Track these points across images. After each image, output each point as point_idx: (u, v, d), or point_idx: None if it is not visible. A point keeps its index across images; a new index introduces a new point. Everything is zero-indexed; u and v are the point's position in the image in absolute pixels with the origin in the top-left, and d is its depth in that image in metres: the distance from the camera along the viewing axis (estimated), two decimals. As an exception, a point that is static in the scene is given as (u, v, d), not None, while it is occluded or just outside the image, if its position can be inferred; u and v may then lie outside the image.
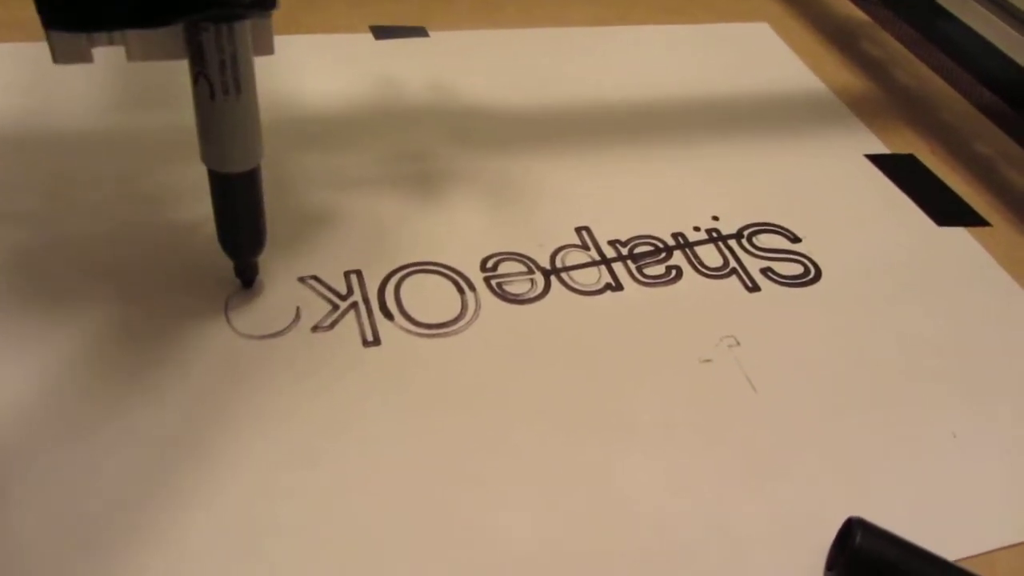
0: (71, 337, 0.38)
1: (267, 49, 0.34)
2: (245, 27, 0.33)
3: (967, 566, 0.34)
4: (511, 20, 0.67)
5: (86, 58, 0.31)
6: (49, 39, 0.31)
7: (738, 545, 0.34)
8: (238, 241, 0.39)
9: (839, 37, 0.72)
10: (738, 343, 0.43)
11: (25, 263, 0.41)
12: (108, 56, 0.34)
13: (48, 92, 0.51)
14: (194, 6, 0.31)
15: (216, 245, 0.39)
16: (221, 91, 0.33)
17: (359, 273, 0.43)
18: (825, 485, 0.37)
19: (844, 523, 0.34)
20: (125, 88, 0.53)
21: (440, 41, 0.63)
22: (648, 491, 0.36)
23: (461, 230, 0.47)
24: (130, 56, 0.33)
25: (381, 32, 0.62)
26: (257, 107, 0.35)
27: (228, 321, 0.40)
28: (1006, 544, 0.36)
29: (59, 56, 0.31)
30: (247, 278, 0.41)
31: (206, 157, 0.36)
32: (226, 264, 0.40)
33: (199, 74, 0.33)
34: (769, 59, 0.67)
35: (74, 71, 0.52)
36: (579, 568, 0.33)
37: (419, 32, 0.63)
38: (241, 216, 0.38)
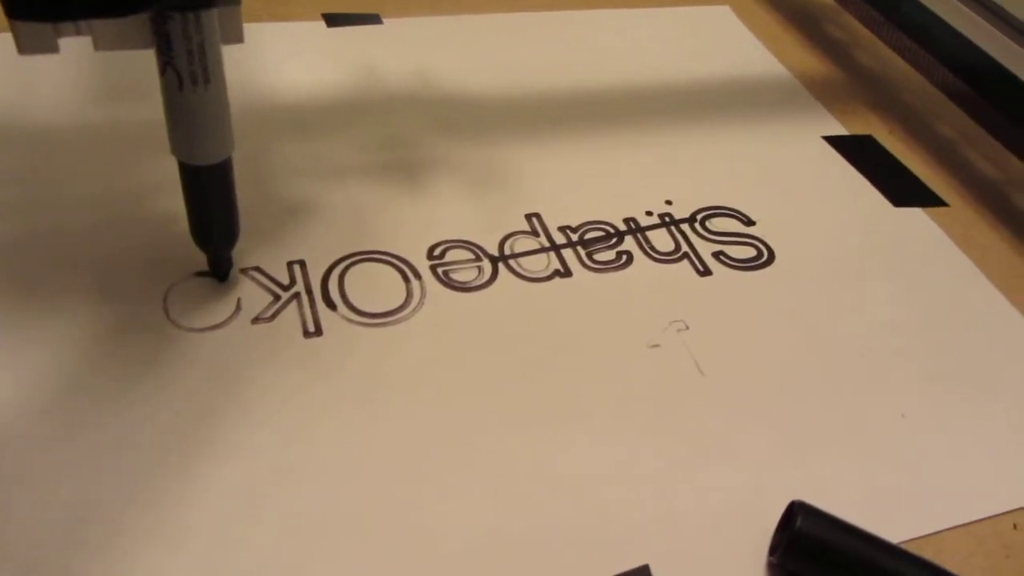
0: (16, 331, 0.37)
1: (236, 37, 0.34)
2: (212, 15, 0.32)
3: (913, 548, 0.34)
4: (467, 6, 0.66)
5: (52, 48, 0.31)
6: (13, 29, 0.30)
7: (682, 530, 0.34)
8: (211, 234, 0.39)
9: (801, 19, 0.72)
10: (687, 327, 0.42)
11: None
12: (80, 46, 0.33)
13: (20, 83, 0.50)
14: None
15: (189, 238, 0.39)
16: (189, 81, 0.32)
17: (302, 263, 0.42)
18: (771, 468, 0.37)
19: (787, 507, 0.34)
20: (100, 78, 0.52)
21: (394, 28, 0.62)
22: (592, 477, 0.35)
23: (408, 218, 0.46)
24: (97, 46, 0.32)
25: (334, 20, 0.61)
26: (227, 97, 0.34)
27: (167, 313, 0.39)
28: (953, 525, 0.36)
29: (24, 47, 0.30)
30: (221, 271, 0.40)
31: (176, 149, 0.35)
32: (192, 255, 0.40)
33: (166, 64, 0.32)
34: (729, 42, 0.67)
35: (46, 61, 0.51)
36: (523, 555, 0.32)
37: (373, 19, 0.62)
38: (213, 209, 0.37)
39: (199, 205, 0.37)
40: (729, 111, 0.59)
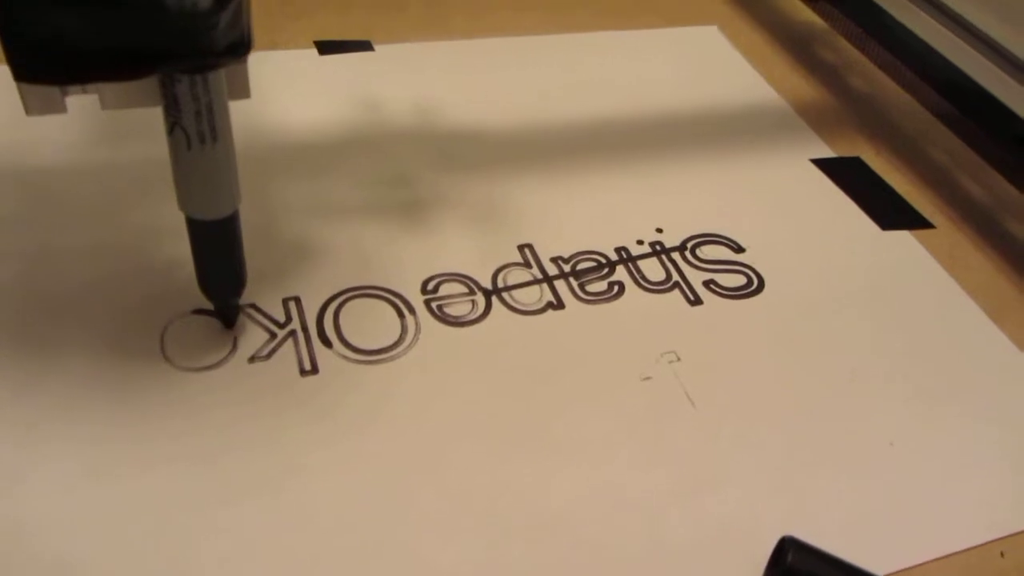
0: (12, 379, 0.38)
1: (243, 93, 0.34)
2: (220, 75, 0.32)
3: (901, 579, 0.35)
4: (458, 31, 0.66)
5: (60, 109, 0.31)
6: (21, 91, 0.30)
7: (674, 563, 0.35)
8: (218, 284, 0.39)
9: (790, 39, 0.73)
10: (678, 358, 0.43)
11: None
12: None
13: (15, 120, 0.51)
14: (168, 59, 0.30)
15: (196, 290, 0.39)
16: (197, 140, 0.32)
17: (297, 300, 0.43)
18: (761, 500, 0.37)
19: (778, 542, 0.35)
20: (99, 117, 0.52)
21: (386, 55, 0.62)
22: (585, 510, 0.36)
23: (401, 251, 0.46)
24: (104, 104, 0.32)
25: (326, 47, 0.62)
26: (234, 153, 0.34)
27: (163, 353, 0.40)
28: (941, 555, 0.37)
29: (31, 108, 0.30)
30: (228, 319, 0.41)
31: (183, 204, 0.35)
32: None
33: (174, 124, 0.32)
34: (717, 64, 0.67)
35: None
36: (514, 596, 0.33)
37: (364, 46, 0.62)
38: (221, 259, 0.38)
39: (207, 257, 0.37)
40: (717, 134, 0.59)
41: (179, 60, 0.30)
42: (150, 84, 0.31)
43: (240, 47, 0.31)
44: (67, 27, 0.28)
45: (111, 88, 0.31)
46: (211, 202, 0.35)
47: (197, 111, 0.32)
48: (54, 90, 0.30)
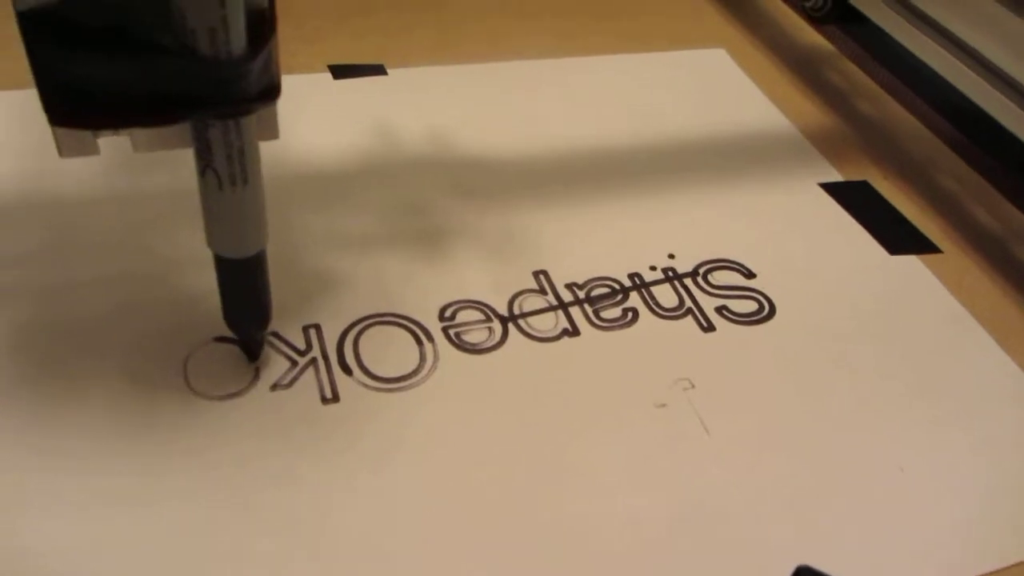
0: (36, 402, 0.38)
1: (271, 134, 0.34)
2: (252, 119, 0.33)
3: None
4: (469, 54, 0.67)
5: (93, 151, 0.31)
6: (55, 134, 0.31)
7: (691, 595, 0.35)
8: (244, 318, 0.39)
9: (797, 62, 0.73)
10: (693, 385, 0.44)
11: (21, 342, 0.41)
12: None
13: (36, 148, 0.51)
14: (202, 106, 0.30)
15: (218, 319, 0.39)
16: (228, 182, 0.33)
17: (317, 327, 0.44)
18: (775, 527, 0.38)
19: (794, 571, 0.35)
20: (122, 150, 0.53)
21: (399, 78, 0.63)
22: (601, 537, 0.37)
23: (418, 278, 0.47)
24: (136, 147, 0.33)
25: (340, 71, 0.63)
26: (263, 194, 0.35)
27: (186, 381, 0.40)
28: (953, 581, 0.37)
29: (65, 150, 0.31)
30: (253, 352, 0.41)
31: (213, 243, 0.36)
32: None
33: (206, 167, 0.33)
34: (725, 87, 0.68)
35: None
36: (535, 625, 0.34)
37: (378, 70, 0.63)
38: (247, 295, 0.38)
39: (234, 293, 0.38)
40: (726, 157, 0.60)
41: (213, 107, 0.30)
42: (182, 127, 0.32)
43: (272, 91, 0.32)
44: (100, 74, 0.29)
45: (143, 131, 0.32)
46: (240, 241, 0.36)
47: (229, 155, 0.32)
48: (87, 133, 0.31)
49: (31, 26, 0.28)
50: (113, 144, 0.32)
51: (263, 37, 0.31)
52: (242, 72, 0.30)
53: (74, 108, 0.30)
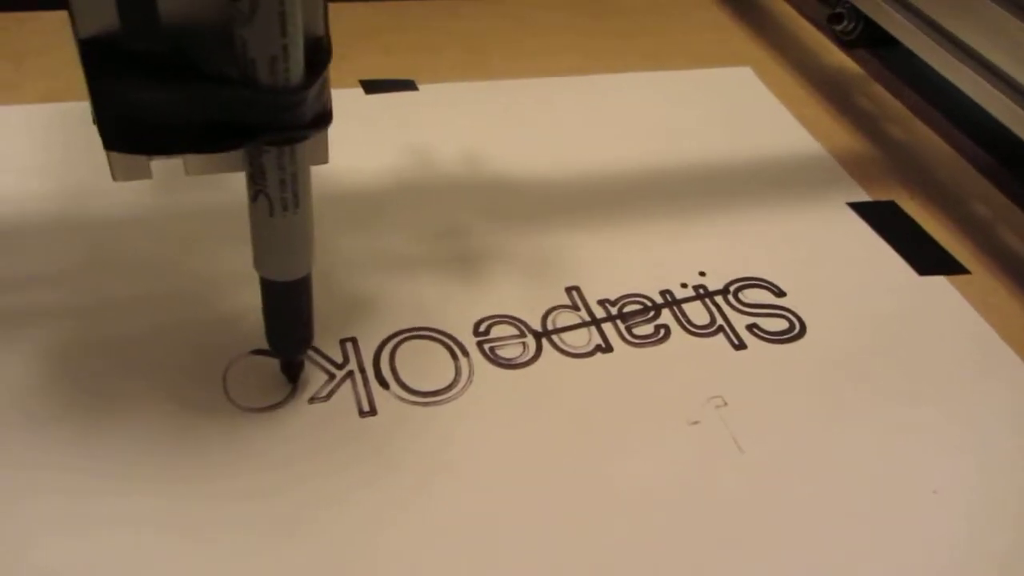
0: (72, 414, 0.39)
1: (322, 158, 0.35)
2: (304, 146, 0.33)
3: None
4: (497, 71, 0.68)
5: (145, 175, 0.32)
6: (109, 158, 0.31)
7: (728, 613, 0.35)
8: (287, 341, 0.40)
9: (823, 83, 0.74)
10: (725, 403, 0.44)
11: (62, 360, 0.41)
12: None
13: (76, 166, 0.52)
14: (258, 133, 0.31)
15: (260, 337, 0.40)
16: (280, 207, 0.33)
17: (354, 341, 0.44)
18: (810, 546, 0.38)
19: (830, 590, 0.35)
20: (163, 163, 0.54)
21: (429, 94, 0.64)
22: (635, 553, 0.37)
23: (452, 293, 0.48)
24: (188, 171, 0.33)
25: (371, 86, 0.63)
26: (312, 218, 0.35)
27: (227, 393, 0.41)
28: (988, 603, 0.37)
29: (119, 174, 0.31)
30: (294, 374, 0.41)
31: (261, 266, 0.36)
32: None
33: (258, 192, 0.33)
34: (752, 105, 0.69)
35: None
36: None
37: (409, 85, 0.64)
38: (292, 318, 0.39)
39: (279, 315, 0.38)
40: (755, 177, 0.61)
41: (269, 134, 0.31)
42: (235, 152, 0.32)
43: (325, 118, 0.32)
44: (159, 102, 0.29)
45: (196, 155, 0.32)
46: (288, 265, 0.36)
47: (282, 180, 0.33)
48: (141, 157, 0.31)
49: (92, 53, 0.28)
50: (162, 164, 0.33)
51: (320, 64, 0.31)
52: (299, 100, 0.30)
53: (131, 134, 0.30)
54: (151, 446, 0.38)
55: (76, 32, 0.28)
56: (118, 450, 0.38)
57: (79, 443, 0.38)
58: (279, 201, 0.33)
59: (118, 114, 0.30)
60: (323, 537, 0.36)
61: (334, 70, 0.65)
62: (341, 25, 0.70)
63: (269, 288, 0.37)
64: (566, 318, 0.47)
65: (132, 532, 0.35)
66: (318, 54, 0.31)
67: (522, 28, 0.74)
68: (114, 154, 0.31)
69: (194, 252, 0.48)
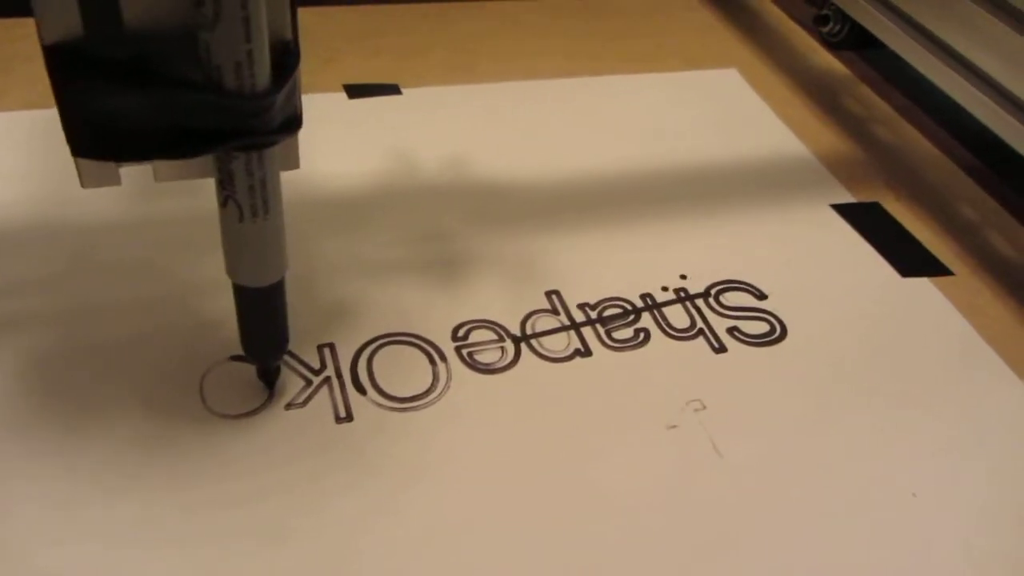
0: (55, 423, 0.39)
1: (292, 164, 0.35)
2: (274, 151, 0.33)
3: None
4: (484, 73, 0.68)
5: (115, 181, 0.32)
6: (77, 165, 0.31)
7: (703, 618, 0.35)
8: (262, 347, 0.40)
9: (809, 84, 0.74)
10: (704, 407, 0.44)
11: (39, 366, 0.41)
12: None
13: (56, 173, 0.52)
14: (226, 139, 0.31)
15: (238, 343, 0.40)
16: (250, 213, 0.33)
17: (332, 346, 0.44)
18: (789, 550, 0.38)
19: (805, 595, 0.35)
20: (140, 177, 0.54)
21: (413, 98, 0.64)
22: (614, 559, 0.37)
23: (431, 298, 0.47)
24: (158, 177, 0.33)
25: (355, 91, 0.63)
26: (283, 223, 0.35)
27: (203, 400, 0.41)
28: (965, 607, 0.37)
29: (87, 181, 0.31)
30: (270, 379, 0.41)
31: (233, 273, 0.36)
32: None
33: (227, 198, 0.33)
34: (738, 107, 0.69)
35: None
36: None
37: (392, 90, 0.64)
38: (266, 324, 0.39)
39: (252, 321, 0.38)
40: (738, 177, 0.60)
41: (236, 139, 0.31)
42: (205, 159, 0.32)
43: (294, 123, 0.32)
44: (125, 108, 0.29)
45: (165, 162, 0.32)
46: (260, 270, 0.36)
47: (251, 186, 0.32)
48: (110, 164, 0.31)
49: (57, 59, 0.28)
50: (133, 171, 0.33)
51: (287, 69, 0.31)
52: (266, 105, 0.30)
53: (98, 140, 0.30)
54: (128, 454, 0.38)
55: (41, 38, 0.28)
56: (95, 459, 0.38)
57: (55, 452, 0.38)
58: (248, 207, 0.33)
59: (85, 120, 0.30)
60: (302, 544, 0.36)
61: (318, 75, 0.66)
62: (326, 29, 0.71)
63: (242, 294, 0.37)
64: (545, 322, 0.47)
65: (110, 541, 0.35)
66: (285, 58, 0.31)
67: (508, 31, 0.74)
68: (82, 160, 0.31)
69: (173, 258, 0.48)
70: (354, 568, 0.35)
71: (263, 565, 0.35)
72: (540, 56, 0.71)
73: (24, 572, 0.34)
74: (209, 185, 0.34)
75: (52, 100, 0.29)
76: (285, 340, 0.40)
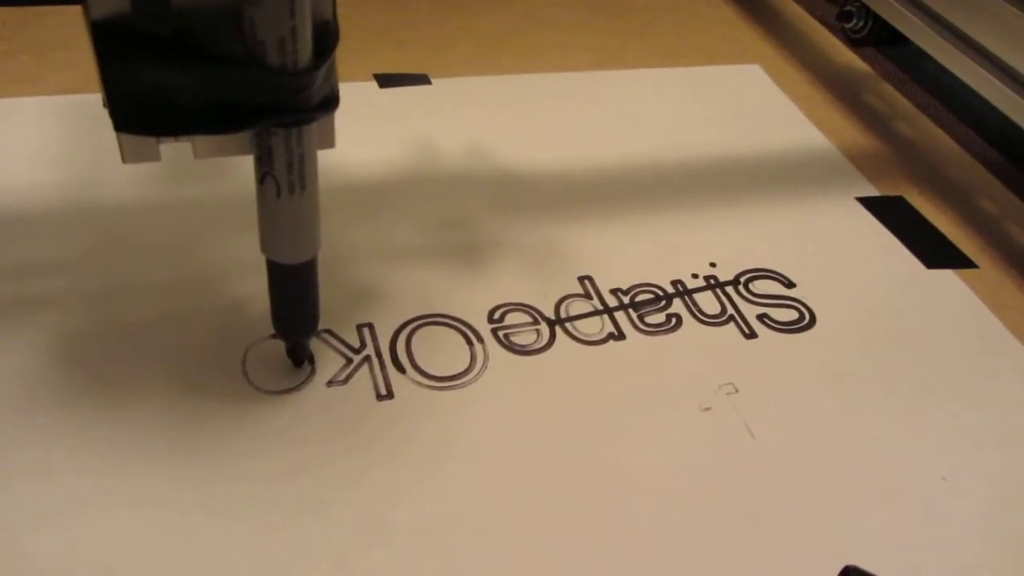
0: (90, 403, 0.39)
1: (328, 142, 0.35)
2: (313, 128, 0.33)
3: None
4: (509, 66, 0.68)
5: (155, 157, 0.32)
6: (120, 140, 0.31)
7: (740, 592, 0.36)
8: (294, 324, 0.40)
9: (831, 80, 0.74)
10: (736, 390, 0.44)
11: (74, 347, 0.42)
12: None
13: (88, 157, 0.53)
14: (267, 115, 0.31)
15: (267, 323, 0.40)
16: (287, 189, 0.34)
17: (371, 326, 0.45)
18: (821, 530, 0.39)
19: (841, 571, 0.36)
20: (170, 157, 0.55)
21: (442, 88, 0.64)
22: (647, 538, 0.37)
23: (467, 282, 0.48)
24: (197, 154, 0.33)
25: (385, 80, 0.64)
26: (318, 201, 0.36)
27: (246, 376, 0.41)
28: (996, 586, 0.38)
29: (128, 156, 0.32)
30: (299, 358, 0.42)
31: (268, 249, 0.37)
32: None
33: (266, 174, 0.33)
34: (761, 102, 0.69)
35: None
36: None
37: (422, 80, 0.65)
38: (298, 301, 0.39)
39: (285, 299, 0.39)
40: (763, 170, 0.61)
41: (277, 115, 0.31)
42: (243, 135, 0.33)
43: (332, 101, 0.33)
44: (169, 84, 0.30)
45: (204, 138, 0.33)
46: (295, 247, 0.36)
47: (289, 162, 0.33)
48: (150, 140, 0.32)
49: (103, 35, 0.29)
50: (171, 149, 0.33)
51: (328, 47, 0.32)
52: (307, 82, 0.31)
53: (141, 115, 0.30)
54: (171, 429, 0.39)
55: (88, 14, 0.29)
56: (137, 432, 0.39)
57: (102, 424, 0.39)
58: (286, 183, 0.33)
59: (128, 95, 0.30)
60: (341, 515, 0.36)
61: (349, 64, 0.66)
62: (356, 21, 0.72)
63: (276, 271, 0.37)
64: (579, 306, 0.48)
65: (157, 506, 0.36)
66: (326, 37, 0.32)
67: (534, 24, 0.75)
68: (124, 136, 0.31)
69: (207, 240, 0.48)
70: (390, 538, 0.36)
71: (305, 534, 0.36)
72: (566, 50, 0.72)
73: (76, 534, 0.34)
74: (240, 168, 0.35)
75: (85, 86, 0.30)
76: (316, 318, 0.40)
